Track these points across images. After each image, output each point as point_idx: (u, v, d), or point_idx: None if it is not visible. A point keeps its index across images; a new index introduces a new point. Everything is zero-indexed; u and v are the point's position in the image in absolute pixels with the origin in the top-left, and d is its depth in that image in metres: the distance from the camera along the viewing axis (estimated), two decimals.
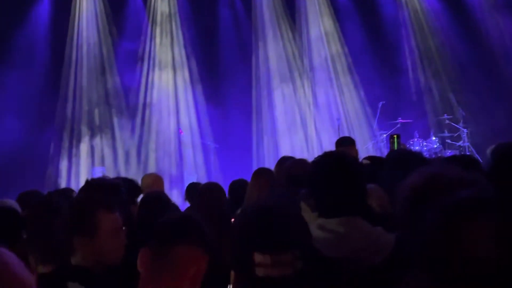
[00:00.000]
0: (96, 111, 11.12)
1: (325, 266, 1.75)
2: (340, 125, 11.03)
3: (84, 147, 10.89)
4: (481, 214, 1.14)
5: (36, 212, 2.64)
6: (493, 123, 10.15)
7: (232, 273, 1.54)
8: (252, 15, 12.08)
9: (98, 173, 10.04)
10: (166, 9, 11.77)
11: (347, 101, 11.77)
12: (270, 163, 9.29)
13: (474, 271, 1.10)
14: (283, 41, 11.99)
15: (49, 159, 10.68)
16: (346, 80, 11.82)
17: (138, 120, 11.28)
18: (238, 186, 4.63)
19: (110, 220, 2.25)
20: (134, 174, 9.79)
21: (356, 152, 5.27)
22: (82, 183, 3.13)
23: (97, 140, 10.97)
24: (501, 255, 1.09)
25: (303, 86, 11.90)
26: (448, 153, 10.19)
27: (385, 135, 10.67)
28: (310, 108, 11.83)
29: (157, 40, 11.63)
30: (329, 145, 9.58)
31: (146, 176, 5.08)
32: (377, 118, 11.08)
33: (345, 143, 5.33)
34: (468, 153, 9.83)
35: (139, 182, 4.30)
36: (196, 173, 10.98)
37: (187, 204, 5.03)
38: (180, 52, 11.66)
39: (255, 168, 5.69)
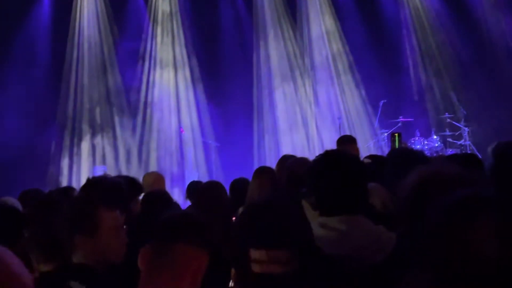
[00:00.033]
0: (97, 110, 11.12)
1: (327, 264, 1.75)
2: (341, 124, 11.03)
3: (85, 145, 10.89)
4: (481, 213, 1.14)
5: (38, 210, 2.64)
6: (494, 122, 10.13)
7: (233, 270, 1.54)
8: (253, 14, 12.06)
9: (99, 172, 10.05)
10: (167, 8, 11.76)
11: (348, 99, 11.76)
12: (271, 162, 9.30)
13: (474, 271, 1.10)
14: (284, 40, 11.98)
15: (50, 158, 10.69)
16: (347, 79, 11.81)
17: (139, 119, 11.29)
18: (239, 184, 4.61)
19: (111, 218, 2.25)
20: (135, 172, 9.80)
21: (357, 150, 5.26)
22: (83, 181, 3.12)
23: (98, 139, 10.98)
24: (502, 255, 1.09)
25: (304, 85, 11.90)
26: (449, 151, 10.17)
27: (386, 134, 10.66)
28: (311, 107, 11.82)
29: (158, 39, 11.63)
30: (330, 144, 9.59)
31: (147, 175, 5.08)
32: (378, 116, 11.08)
33: (346, 142, 5.33)
34: (469, 152, 9.80)
35: (141, 180, 4.30)
36: (197, 172, 10.98)
37: (188, 203, 5.02)
38: (181, 51, 11.66)
39: (256, 166, 5.67)
